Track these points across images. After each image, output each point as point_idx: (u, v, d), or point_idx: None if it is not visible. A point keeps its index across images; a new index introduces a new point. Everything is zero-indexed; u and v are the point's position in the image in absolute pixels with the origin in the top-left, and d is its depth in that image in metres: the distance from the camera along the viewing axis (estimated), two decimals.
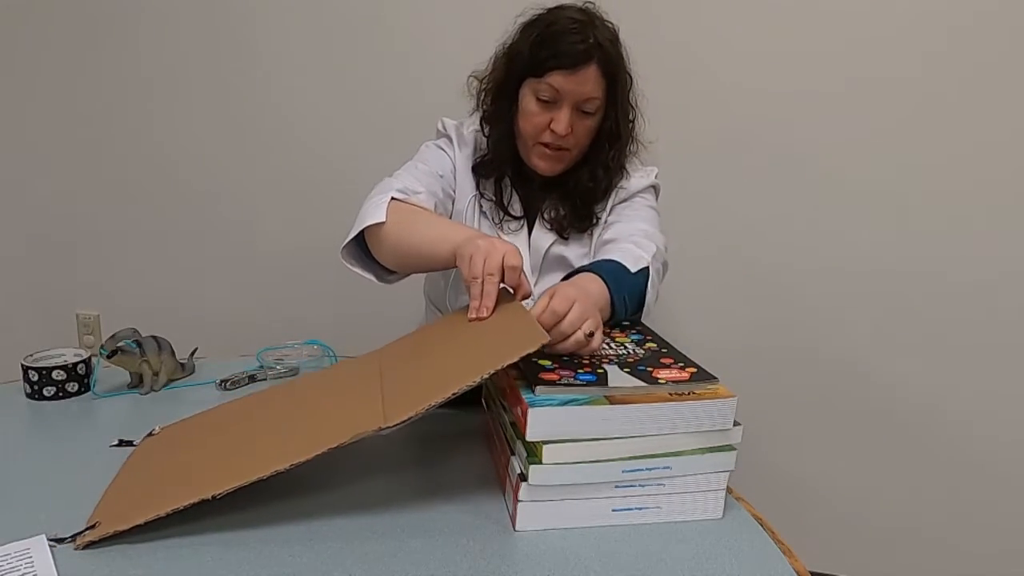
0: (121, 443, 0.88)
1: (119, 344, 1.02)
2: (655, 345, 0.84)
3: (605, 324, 0.93)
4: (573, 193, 1.13)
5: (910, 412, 1.65)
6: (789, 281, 1.65)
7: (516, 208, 1.15)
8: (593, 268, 0.96)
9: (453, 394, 0.67)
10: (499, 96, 1.11)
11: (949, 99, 1.49)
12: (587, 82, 1.03)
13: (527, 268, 1.15)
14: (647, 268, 1.00)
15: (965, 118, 1.49)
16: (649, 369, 0.75)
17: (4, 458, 0.85)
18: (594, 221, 1.15)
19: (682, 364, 0.77)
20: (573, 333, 0.78)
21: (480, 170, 1.15)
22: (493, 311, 0.81)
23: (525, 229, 1.16)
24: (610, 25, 1.07)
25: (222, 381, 1.07)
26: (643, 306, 1.00)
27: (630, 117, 1.11)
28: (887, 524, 1.72)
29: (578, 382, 0.71)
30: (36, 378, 1.02)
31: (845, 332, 1.64)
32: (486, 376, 0.68)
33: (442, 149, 1.18)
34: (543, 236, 1.15)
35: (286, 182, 1.86)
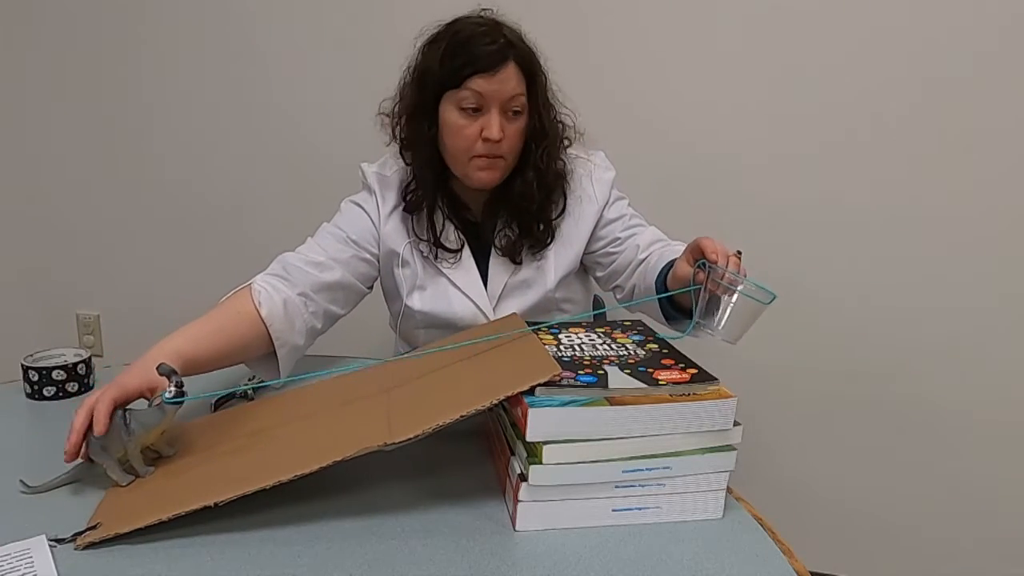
0: None
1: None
2: (656, 346, 0.84)
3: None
4: (517, 207, 1.09)
5: (911, 412, 1.65)
6: (789, 282, 1.64)
7: (451, 240, 1.11)
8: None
9: (461, 416, 0.68)
10: (415, 120, 1.06)
11: (961, 89, 1.49)
12: (509, 80, 1.00)
13: (486, 299, 1.12)
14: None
15: (964, 122, 1.49)
16: (650, 370, 0.75)
17: (4, 458, 0.85)
18: (550, 236, 1.12)
19: (683, 365, 0.77)
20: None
21: (411, 207, 1.11)
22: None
23: (470, 258, 1.12)
24: (514, 27, 1.05)
25: (216, 403, 1.00)
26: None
27: (552, 114, 1.09)
28: (887, 524, 1.72)
29: (578, 383, 0.71)
30: (36, 378, 1.02)
31: (845, 332, 1.64)
32: (496, 402, 0.69)
33: (360, 206, 1.13)
34: (500, 269, 1.12)
35: (288, 185, 1.86)
